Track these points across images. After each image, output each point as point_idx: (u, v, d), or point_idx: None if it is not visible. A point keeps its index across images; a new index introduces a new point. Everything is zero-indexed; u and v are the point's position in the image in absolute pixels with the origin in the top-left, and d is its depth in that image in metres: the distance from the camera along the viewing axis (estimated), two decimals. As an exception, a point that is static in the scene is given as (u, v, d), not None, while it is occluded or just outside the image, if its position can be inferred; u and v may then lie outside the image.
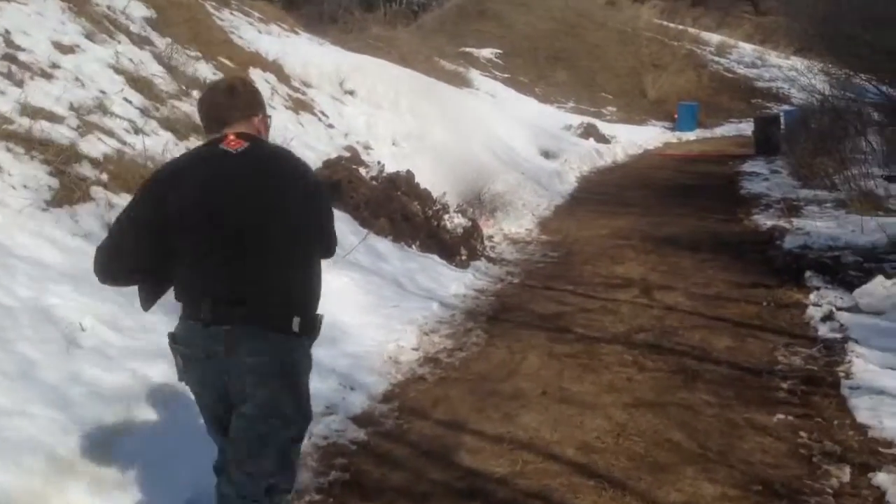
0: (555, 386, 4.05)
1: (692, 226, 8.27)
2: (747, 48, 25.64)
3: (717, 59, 24.53)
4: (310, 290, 2.23)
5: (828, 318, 4.97)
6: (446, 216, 7.12)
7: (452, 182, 8.11)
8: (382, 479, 3.11)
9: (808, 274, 5.96)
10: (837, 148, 9.98)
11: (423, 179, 7.31)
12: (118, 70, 6.12)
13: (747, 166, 12.78)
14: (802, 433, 3.47)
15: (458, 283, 5.99)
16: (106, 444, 2.83)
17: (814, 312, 5.11)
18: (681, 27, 25.68)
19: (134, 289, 2.29)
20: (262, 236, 2.12)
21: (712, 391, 3.95)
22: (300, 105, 8.52)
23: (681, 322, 5.09)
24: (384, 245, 6.13)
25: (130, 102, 5.77)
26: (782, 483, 3.04)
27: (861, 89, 10.56)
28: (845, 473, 3.10)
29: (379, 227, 6.24)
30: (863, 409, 3.64)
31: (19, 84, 4.98)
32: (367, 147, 8.60)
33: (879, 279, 5.26)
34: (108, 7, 7.38)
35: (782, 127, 14.00)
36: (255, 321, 2.08)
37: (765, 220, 8.35)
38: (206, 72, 7.47)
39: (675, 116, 18.79)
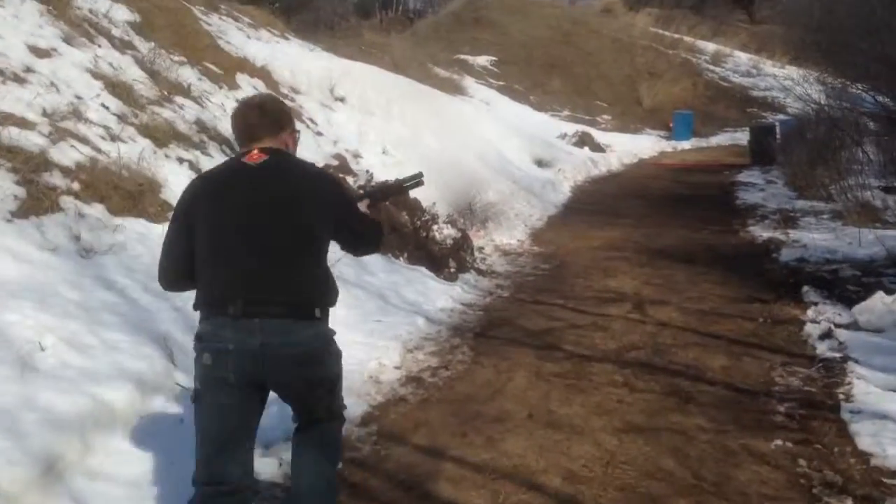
0: (542, 408, 3.86)
1: (687, 237, 8.12)
2: (743, 57, 25.61)
3: (712, 67, 24.50)
4: (326, 283, 2.38)
5: (826, 335, 4.80)
6: (435, 227, 6.95)
7: (443, 191, 7.90)
8: (355, 511, 2.91)
9: (805, 288, 5.81)
10: (833, 158, 9.85)
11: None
12: (96, 75, 5.91)
13: (743, 176, 12.68)
14: (802, 461, 3.29)
15: (446, 297, 5.81)
16: (58, 477, 2.64)
17: (812, 329, 4.94)
18: (676, 36, 25.66)
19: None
20: (277, 237, 2.26)
21: (707, 414, 3.77)
22: (288, 112, 8.34)
23: (674, 339, 4.91)
24: (370, 257, 5.94)
25: (108, 108, 5.57)
26: (781, 517, 2.87)
27: (857, 99, 10.41)
28: (848, 507, 2.92)
29: (365, 239, 6.06)
30: (864, 436, 3.46)
31: (-11, 89, 4.80)
32: (356, 155, 8.41)
33: (879, 295, 5.09)
34: (90, 11, 7.19)
35: (778, 137, 13.89)
36: (282, 315, 2.23)
37: (761, 232, 8.20)
38: (191, 77, 7.29)
39: (671, 125, 18.69)
